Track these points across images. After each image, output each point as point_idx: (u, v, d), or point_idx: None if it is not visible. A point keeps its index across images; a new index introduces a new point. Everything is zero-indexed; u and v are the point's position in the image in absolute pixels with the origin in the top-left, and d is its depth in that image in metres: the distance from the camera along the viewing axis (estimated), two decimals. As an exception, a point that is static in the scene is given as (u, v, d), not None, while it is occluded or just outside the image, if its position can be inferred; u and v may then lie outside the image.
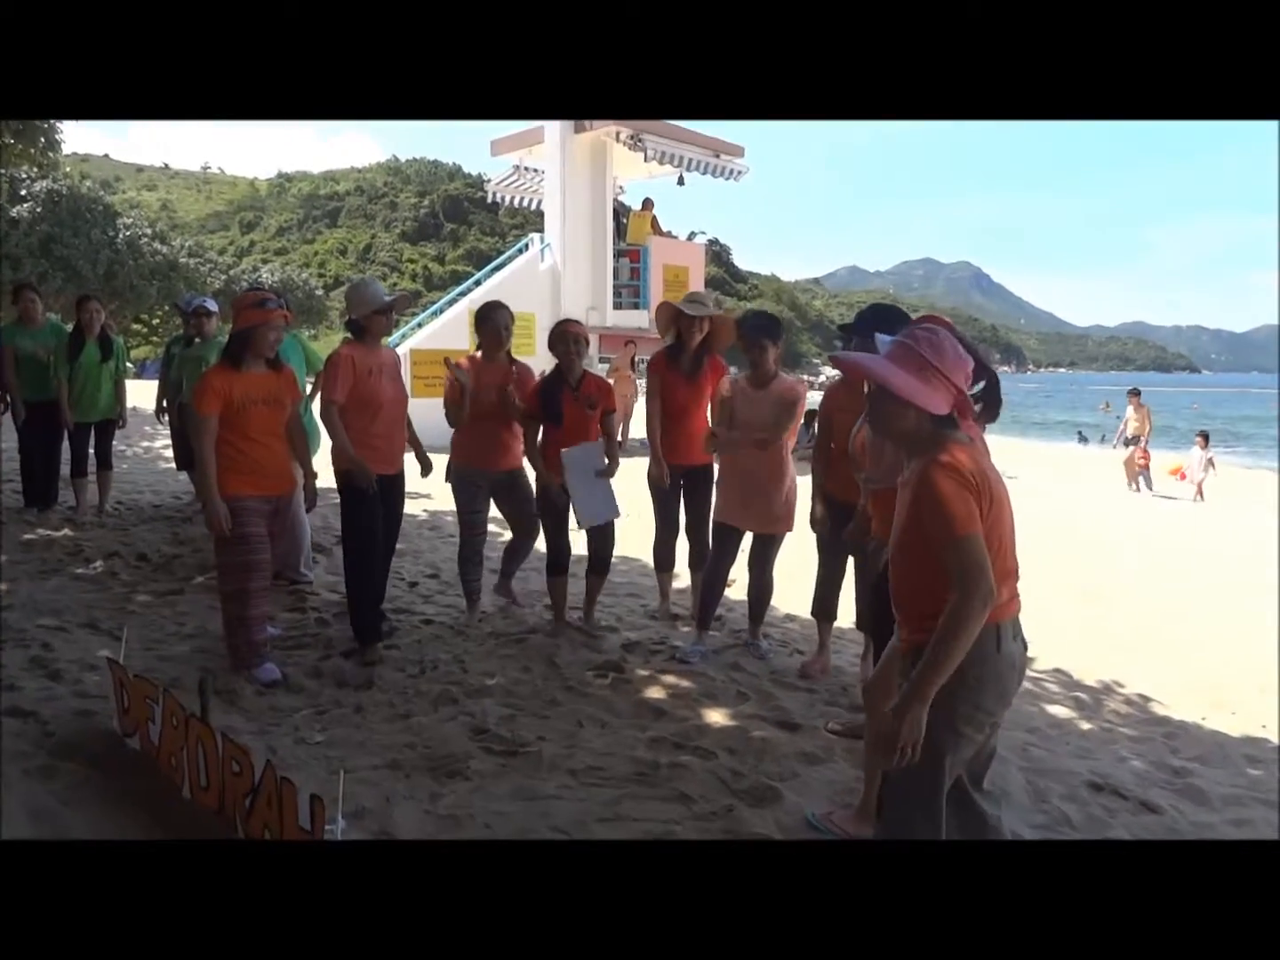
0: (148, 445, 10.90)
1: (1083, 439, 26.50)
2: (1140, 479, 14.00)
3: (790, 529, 4.22)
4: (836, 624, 4.33)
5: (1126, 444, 14.33)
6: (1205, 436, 13.91)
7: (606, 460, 4.30)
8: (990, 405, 2.19)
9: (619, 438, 4.68)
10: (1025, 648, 2.13)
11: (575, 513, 4.28)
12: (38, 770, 2.74)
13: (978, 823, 2.21)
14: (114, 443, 6.83)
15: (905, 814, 2.09)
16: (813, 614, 4.18)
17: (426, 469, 4.30)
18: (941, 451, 1.95)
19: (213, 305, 6.49)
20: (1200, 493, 13.29)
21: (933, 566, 1.96)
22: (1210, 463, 13.54)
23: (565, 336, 4.28)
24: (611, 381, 5.87)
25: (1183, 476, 13.80)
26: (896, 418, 2.01)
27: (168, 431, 7.17)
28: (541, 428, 4.34)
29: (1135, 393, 14.76)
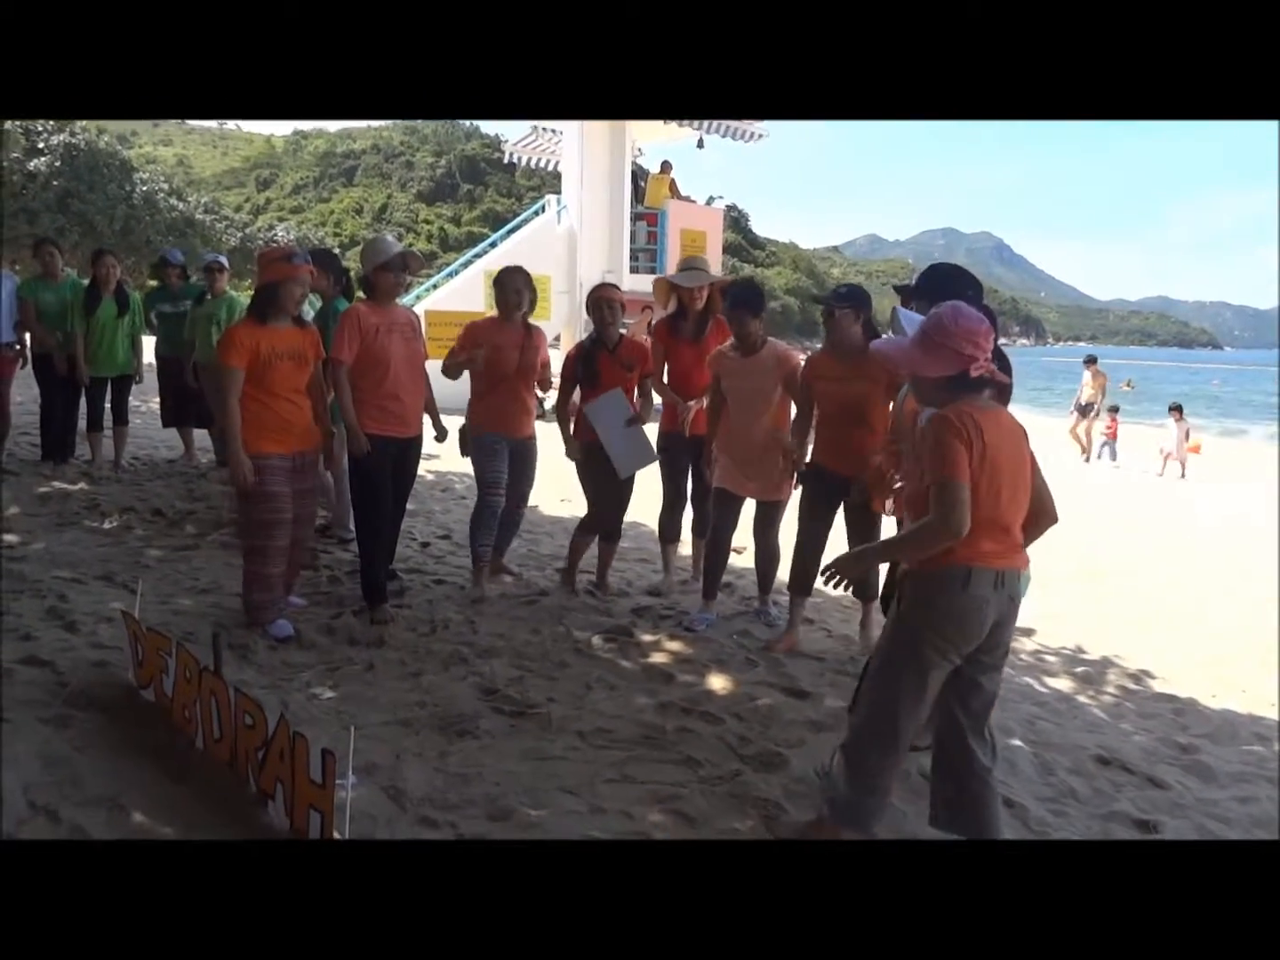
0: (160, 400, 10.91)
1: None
2: (1106, 449, 13.78)
3: (789, 495, 4.21)
4: (838, 594, 4.27)
5: (1081, 412, 13.91)
6: (1179, 409, 13.48)
7: (632, 409, 4.31)
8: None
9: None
10: (1011, 602, 2.30)
11: (614, 464, 4.31)
12: (53, 718, 2.78)
13: (966, 764, 2.35)
14: (130, 398, 6.86)
15: (869, 701, 2.41)
16: (789, 588, 4.08)
17: (442, 435, 4.30)
18: (950, 407, 2.23)
19: (225, 261, 6.49)
20: (1182, 467, 12.84)
21: (926, 509, 2.22)
22: (1188, 435, 13.09)
23: (599, 302, 4.36)
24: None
25: (1165, 454, 13.24)
26: (925, 386, 2.32)
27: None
28: (578, 390, 4.40)
29: (1091, 360, 14.42)
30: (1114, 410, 14.20)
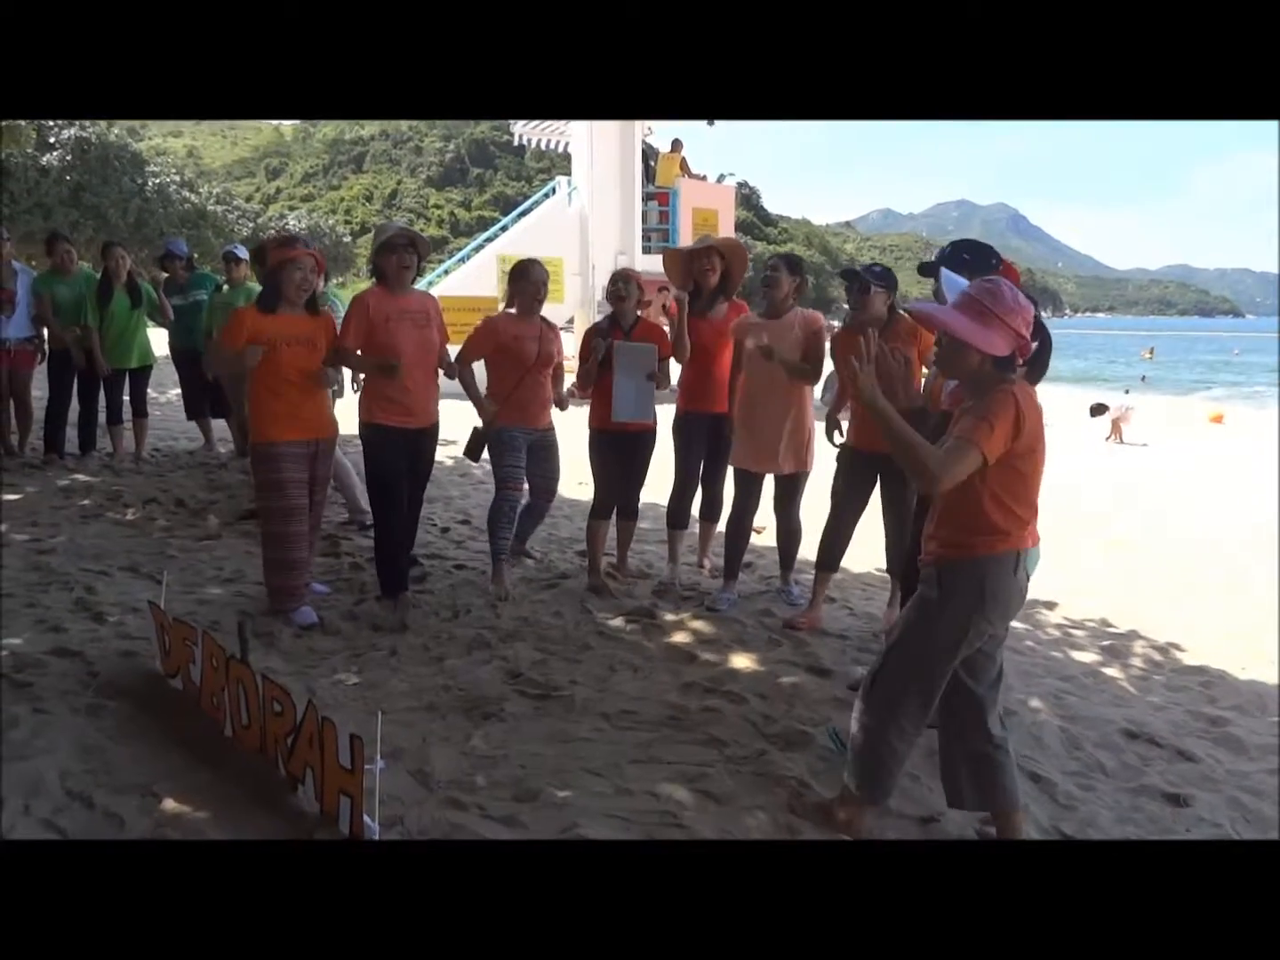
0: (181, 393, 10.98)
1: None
2: None
3: (808, 468, 4.18)
4: (862, 570, 4.24)
5: None
6: (1100, 408, 13.23)
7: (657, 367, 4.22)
8: (1036, 366, 2.33)
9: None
10: (1027, 579, 2.34)
11: (613, 403, 4.20)
12: (85, 708, 2.82)
13: (984, 736, 2.37)
14: (148, 390, 6.91)
15: (899, 687, 2.34)
16: (816, 564, 4.07)
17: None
18: (1014, 384, 2.16)
19: (242, 252, 6.49)
20: (1117, 434, 12.68)
21: (971, 493, 2.19)
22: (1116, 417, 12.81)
23: (615, 281, 4.36)
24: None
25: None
26: (961, 359, 2.21)
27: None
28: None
29: None
30: None
